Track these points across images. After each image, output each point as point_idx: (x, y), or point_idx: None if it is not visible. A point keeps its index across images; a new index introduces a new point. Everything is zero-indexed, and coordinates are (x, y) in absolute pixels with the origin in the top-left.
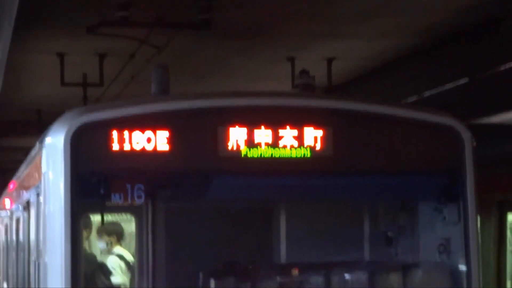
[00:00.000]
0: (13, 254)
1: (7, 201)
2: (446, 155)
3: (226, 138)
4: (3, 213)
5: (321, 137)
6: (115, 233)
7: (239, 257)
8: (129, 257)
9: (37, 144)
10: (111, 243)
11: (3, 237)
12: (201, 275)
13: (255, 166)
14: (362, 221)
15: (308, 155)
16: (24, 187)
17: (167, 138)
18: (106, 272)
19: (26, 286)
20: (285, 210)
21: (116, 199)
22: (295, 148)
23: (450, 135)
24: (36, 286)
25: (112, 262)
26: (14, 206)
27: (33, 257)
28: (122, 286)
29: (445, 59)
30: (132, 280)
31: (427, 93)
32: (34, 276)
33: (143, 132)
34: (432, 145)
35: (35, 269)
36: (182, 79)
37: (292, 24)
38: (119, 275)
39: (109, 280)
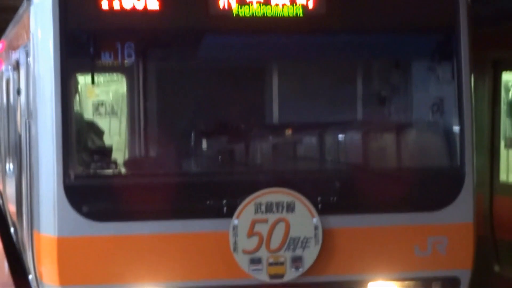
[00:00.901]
0: (4, 116)
1: None
2: (441, 12)
3: None
4: None
5: None
6: None
7: (231, 117)
8: None
9: (25, 2)
10: None
11: None
12: (192, 134)
13: (246, 25)
14: (355, 80)
15: (301, 14)
16: (13, 47)
17: None
18: (97, 132)
19: (18, 146)
20: (278, 70)
21: (106, 58)
22: (287, 6)
23: None
24: (27, 146)
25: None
26: (3, 67)
27: (23, 118)
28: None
29: None
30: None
31: None
32: (24, 136)
33: None
34: (426, 2)
35: (26, 129)
36: None
37: None
38: None
39: (100, 140)
